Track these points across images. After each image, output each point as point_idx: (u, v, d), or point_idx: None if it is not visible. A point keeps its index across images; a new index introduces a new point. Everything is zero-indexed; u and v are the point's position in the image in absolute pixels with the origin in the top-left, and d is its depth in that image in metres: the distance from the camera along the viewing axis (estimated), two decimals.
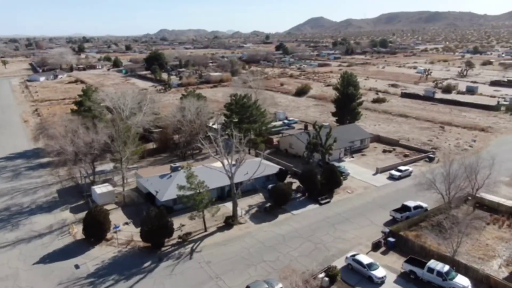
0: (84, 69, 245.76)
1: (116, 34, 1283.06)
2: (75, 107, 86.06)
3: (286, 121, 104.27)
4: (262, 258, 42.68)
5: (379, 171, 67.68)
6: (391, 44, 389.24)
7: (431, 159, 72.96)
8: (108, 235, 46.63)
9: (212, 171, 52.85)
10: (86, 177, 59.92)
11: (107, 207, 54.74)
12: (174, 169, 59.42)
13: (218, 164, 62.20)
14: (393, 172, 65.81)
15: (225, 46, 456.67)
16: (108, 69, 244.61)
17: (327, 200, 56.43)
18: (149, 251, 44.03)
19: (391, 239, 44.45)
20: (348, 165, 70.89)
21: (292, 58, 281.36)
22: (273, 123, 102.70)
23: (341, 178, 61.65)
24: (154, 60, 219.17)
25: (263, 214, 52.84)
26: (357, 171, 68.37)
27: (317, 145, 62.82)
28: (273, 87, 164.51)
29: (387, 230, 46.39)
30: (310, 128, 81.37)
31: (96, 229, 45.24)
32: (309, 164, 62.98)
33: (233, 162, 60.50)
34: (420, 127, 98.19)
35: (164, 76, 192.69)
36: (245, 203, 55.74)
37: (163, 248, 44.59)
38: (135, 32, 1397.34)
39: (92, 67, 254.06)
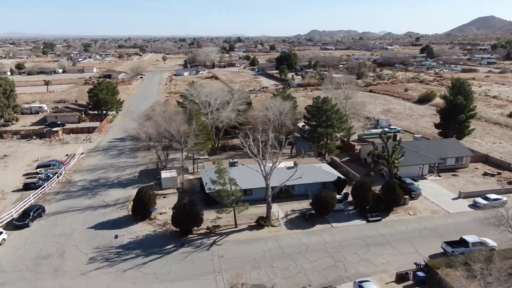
0: (224, 66, 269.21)
1: (269, 35, 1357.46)
2: (180, 100, 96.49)
3: (387, 129, 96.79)
4: (272, 264, 41.85)
5: (462, 195, 57.92)
6: None
7: None
8: (152, 215, 51.98)
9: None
10: (160, 162, 67.33)
11: (169, 191, 60.94)
12: (232, 164, 62.19)
13: (281, 164, 62.71)
14: (479, 199, 55.50)
15: (367, 48, 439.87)
16: (244, 67, 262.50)
17: (377, 218, 51.27)
18: (178, 235, 47.54)
19: (420, 274, 38.36)
20: (429, 184, 62.62)
21: (435, 61, 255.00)
22: (372, 130, 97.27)
23: (406, 197, 55.34)
24: (283, 60, 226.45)
25: (301, 221, 51.22)
26: (436, 192, 59.85)
27: (381, 157, 57.18)
28: (395, 92, 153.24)
29: (422, 262, 40.10)
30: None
31: (141, 208, 50.92)
32: (369, 176, 57.91)
33: (290, 165, 60.44)
34: None
35: (290, 75, 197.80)
36: (289, 207, 54.86)
37: (190, 236, 47.56)
38: (287, 33, 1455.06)
39: (231, 65, 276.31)
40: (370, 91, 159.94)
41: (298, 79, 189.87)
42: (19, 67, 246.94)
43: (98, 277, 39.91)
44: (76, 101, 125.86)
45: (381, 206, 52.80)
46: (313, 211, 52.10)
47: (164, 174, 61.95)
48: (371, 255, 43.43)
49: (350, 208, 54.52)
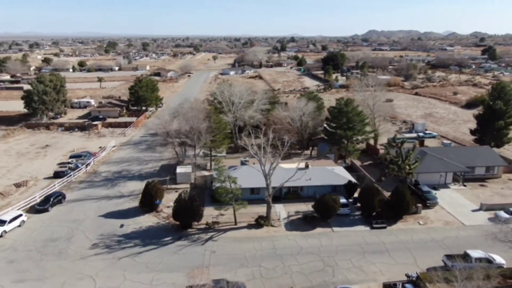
0: (271, 66, 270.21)
1: (326, 35, 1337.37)
2: (211, 98, 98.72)
3: (421, 133, 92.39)
4: (261, 263, 41.90)
5: (483, 208, 53.96)
6: None
7: None
8: (159, 208, 54.06)
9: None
10: (178, 158, 69.51)
11: (183, 185, 62.84)
12: (243, 163, 62.83)
13: (293, 165, 62.39)
14: (501, 213, 51.41)
15: (425, 49, 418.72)
16: (291, 67, 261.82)
17: (383, 225, 49.31)
18: (178, 229, 49.05)
19: (408, 286, 36.48)
20: (450, 193, 59.10)
21: (497, 64, 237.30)
22: (405, 135, 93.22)
23: (419, 205, 52.77)
24: (330, 60, 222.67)
25: (302, 223, 50.62)
26: (456, 202, 56.29)
27: (393, 162, 54.73)
28: (442, 95, 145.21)
29: (414, 274, 38.09)
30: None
31: (147, 200, 53.14)
32: (380, 181, 55.67)
33: (301, 166, 59.90)
34: None
35: (334, 76, 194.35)
36: (294, 208, 54.40)
37: (190, 230, 48.87)
38: (344, 33, 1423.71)
39: (279, 64, 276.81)
40: (416, 93, 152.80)
41: (342, 80, 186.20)
42: (81, 64, 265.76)
43: (95, 262, 42.38)
44: (119, 97, 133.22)
45: (389, 213, 50.71)
46: (315, 214, 51.27)
47: (179, 170, 63.99)
48: (365, 263, 41.98)
49: (357, 213, 52.94)
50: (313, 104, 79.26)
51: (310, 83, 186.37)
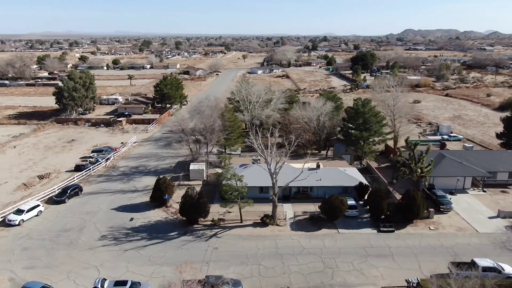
0: (300, 65, 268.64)
1: (360, 34, 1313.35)
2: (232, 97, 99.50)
3: (446, 136, 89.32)
4: (260, 262, 42.02)
5: (501, 215, 51.58)
6: None
7: None
8: (169, 203, 55.21)
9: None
10: (192, 155, 70.61)
11: (195, 182, 63.82)
12: (254, 162, 63.03)
13: (299, 165, 62.05)
14: None
15: (462, 48, 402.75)
16: (320, 67, 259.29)
17: (390, 228, 48.14)
18: (184, 224, 49.97)
19: None
20: (467, 198, 56.91)
21: None
22: (429, 137, 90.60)
23: (431, 210, 51.15)
24: (359, 60, 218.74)
25: (309, 223, 50.26)
26: (472, 208, 54.16)
27: (405, 164, 53.19)
28: (474, 97, 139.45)
29: (415, 280, 37.03)
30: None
31: (157, 196, 54.38)
32: (392, 183, 54.27)
33: (312, 166, 59.57)
34: None
35: (363, 76, 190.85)
36: (302, 208, 54.10)
37: (196, 226, 49.67)
38: (379, 32, 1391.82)
39: (308, 64, 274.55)
40: (447, 95, 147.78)
41: (371, 80, 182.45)
42: (115, 62, 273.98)
43: (102, 253, 43.94)
44: (145, 94, 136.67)
45: (398, 217, 49.46)
46: (322, 215, 50.75)
47: (192, 166, 65.05)
48: (366, 266, 41.22)
49: (366, 215, 51.96)
50: (331, 104, 78.32)
51: (338, 83, 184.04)
